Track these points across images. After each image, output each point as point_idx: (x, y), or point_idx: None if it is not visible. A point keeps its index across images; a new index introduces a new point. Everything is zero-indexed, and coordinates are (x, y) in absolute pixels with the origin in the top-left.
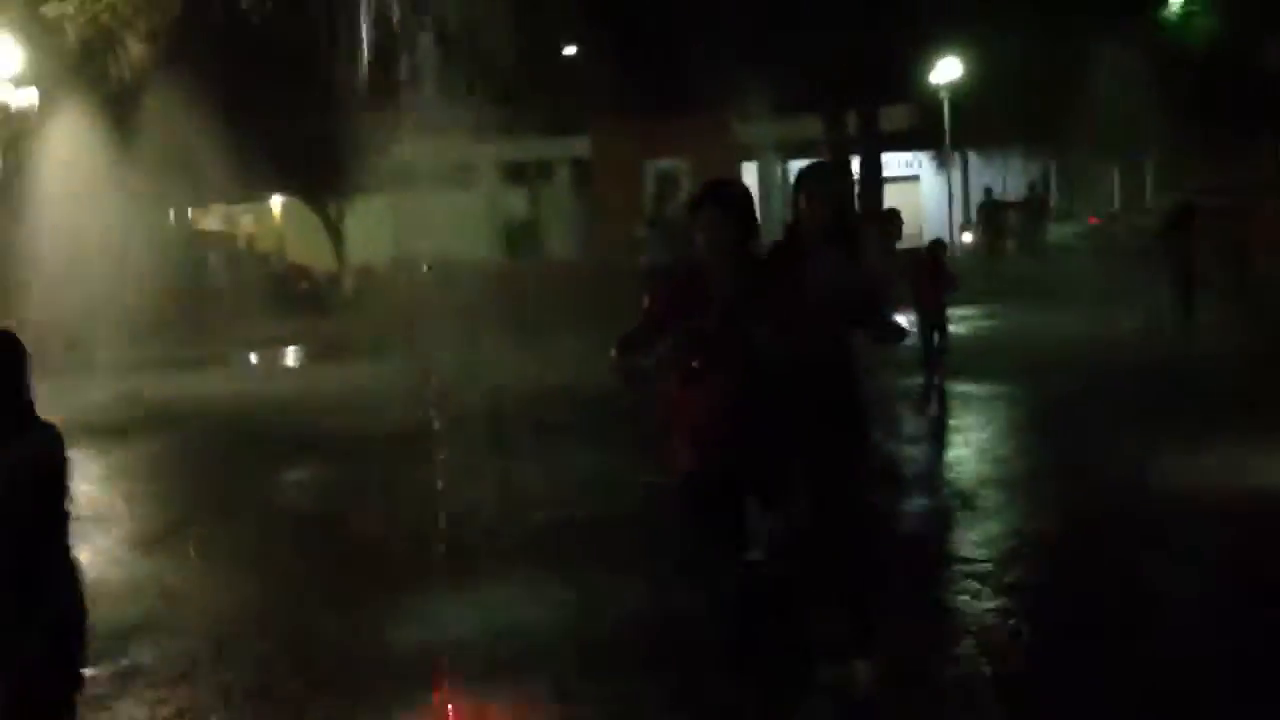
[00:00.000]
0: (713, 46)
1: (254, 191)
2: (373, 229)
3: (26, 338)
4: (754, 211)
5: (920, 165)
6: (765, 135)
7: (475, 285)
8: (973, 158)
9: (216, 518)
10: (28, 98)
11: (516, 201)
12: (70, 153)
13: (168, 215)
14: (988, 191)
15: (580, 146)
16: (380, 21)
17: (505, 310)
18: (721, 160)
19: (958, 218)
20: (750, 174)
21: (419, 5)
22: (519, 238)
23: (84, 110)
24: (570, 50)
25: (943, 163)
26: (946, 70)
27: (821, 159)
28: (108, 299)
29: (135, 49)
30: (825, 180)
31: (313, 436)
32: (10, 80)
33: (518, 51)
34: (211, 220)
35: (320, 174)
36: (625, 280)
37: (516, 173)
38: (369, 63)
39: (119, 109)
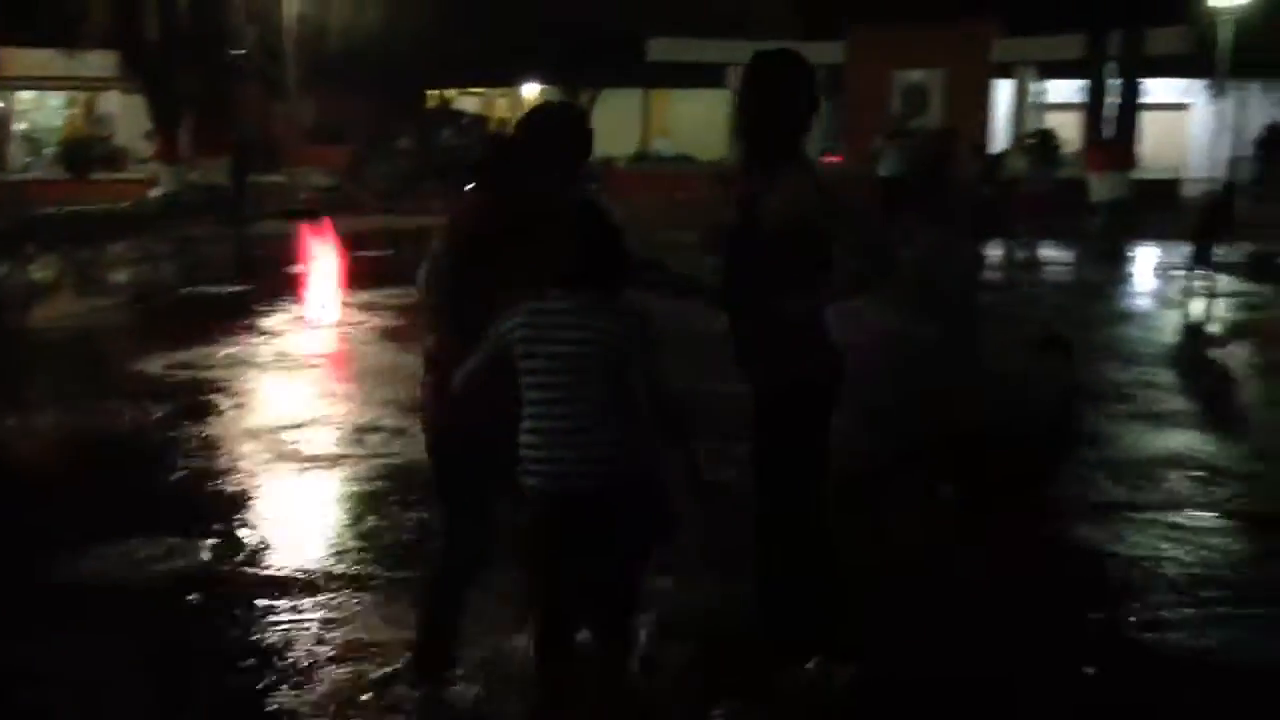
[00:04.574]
0: None
1: (510, 78)
2: (618, 123)
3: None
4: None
5: (1196, 94)
6: (1024, 52)
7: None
8: (1256, 91)
9: None
10: None
11: None
12: (336, 28)
13: (424, 95)
14: (1271, 128)
15: (834, 52)
16: None
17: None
18: (974, 76)
19: (1224, 154)
20: (1005, 91)
21: None
22: None
23: None
24: None
25: (1217, 92)
26: None
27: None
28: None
29: None
30: None
31: None
32: None
33: None
34: (469, 103)
35: (574, 63)
36: (862, 188)
37: None
38: None
39: None
